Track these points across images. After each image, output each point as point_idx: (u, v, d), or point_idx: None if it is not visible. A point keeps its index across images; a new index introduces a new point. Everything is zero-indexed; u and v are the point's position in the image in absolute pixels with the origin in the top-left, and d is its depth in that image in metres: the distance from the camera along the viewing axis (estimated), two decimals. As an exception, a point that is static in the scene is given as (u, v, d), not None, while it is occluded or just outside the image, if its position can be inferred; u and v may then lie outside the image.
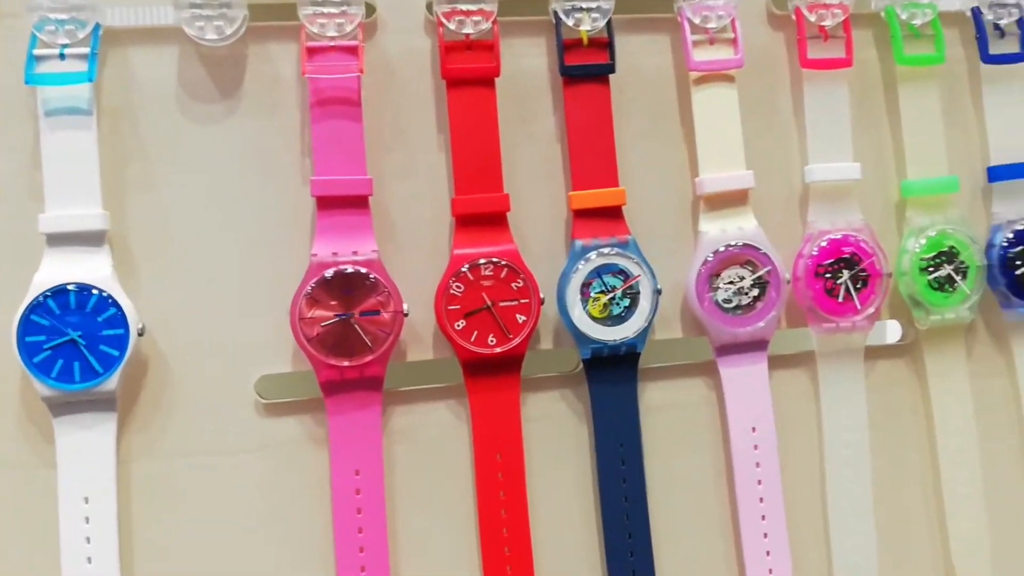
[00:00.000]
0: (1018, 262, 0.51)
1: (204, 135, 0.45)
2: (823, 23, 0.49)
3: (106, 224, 0.42)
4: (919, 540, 0.51)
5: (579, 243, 0.46)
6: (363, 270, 0.44)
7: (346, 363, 0.43)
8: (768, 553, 0.48)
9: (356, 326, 0.43)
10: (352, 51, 0.45)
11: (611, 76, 0.47)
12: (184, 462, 0.44)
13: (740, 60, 0.48)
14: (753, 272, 0.48)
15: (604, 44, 0.47)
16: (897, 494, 0.51)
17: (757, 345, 0.48)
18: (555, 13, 0.47)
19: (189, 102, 0.45)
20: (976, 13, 0.52)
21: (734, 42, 0.48)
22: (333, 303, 0.43)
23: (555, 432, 0.48)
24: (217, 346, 0.44)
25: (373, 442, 0.44)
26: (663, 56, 0.50)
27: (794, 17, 0.49)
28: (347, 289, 0.43)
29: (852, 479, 0.49)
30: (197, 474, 0.44)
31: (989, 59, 0.52)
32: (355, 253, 0.44)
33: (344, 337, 0.43)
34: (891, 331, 0.52)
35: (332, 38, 0.44)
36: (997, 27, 0.52)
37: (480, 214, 0.45)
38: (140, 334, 0.42)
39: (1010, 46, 0.52)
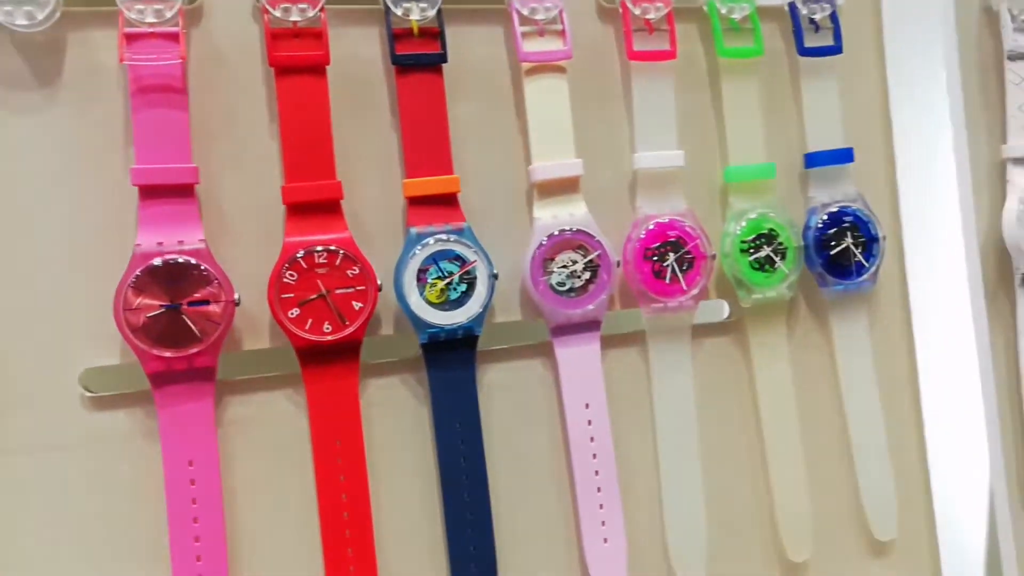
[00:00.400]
0: (832, 243, 0.55)
1: (22, 125, 0.43)
2: (647, 16, 0.51)
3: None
4: (746, 504, 0.55)
5: (414, 230, 0.47)
6: (191, 260, 0.43)
7: (169, 354, 0.42)
8: (603, 523, 0.50)
9: (184, 316, 0.43)
10: (173, 38, 0.44)
11: (445, 65, 0.48)
12: (7, 460, 0.42)
13: (568, 52, 0.49)
14: (585, 256, 0.50)
15: (435, 34, 0.48)
16: (725, 462, 0.54)
17: (590, 326, 0.50)
18: (384, 3, 0.47)
19: (5, 91, 0.43)
20: (792, 8, 0.55)
21: (562, 34, 0.50)
22: (160, 293, 0.42)
23: (396, 416, 0.48)
24: (41, 340, 0.43)
25: (206, 433, 0.44)
26: (497, 46, 0.51)
27: (620, 10, 0.51)
28: (174, 279, 0.43)
29: (682, 450, 0.52)
30: (23, 471, 0.42)
31: (804, 52, 0.55)
32: (181, 243, 0.44)
33: (171, 328, 0.43)
34: (718, 309, 0.55)
35: (151, 24, 0.43)
36: (812, 21, 0.55)
37: (312, 202, 0.45)
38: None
39: (824, 39, 0.56)
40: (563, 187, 0.50)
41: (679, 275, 0.51)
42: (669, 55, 0.52)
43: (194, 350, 0.43)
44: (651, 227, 0.51)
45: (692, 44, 0.55)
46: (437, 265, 0.47)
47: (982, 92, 0.61)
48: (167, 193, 0.44)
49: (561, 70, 0.50)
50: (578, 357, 0.50)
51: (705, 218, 0.53)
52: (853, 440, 0.56)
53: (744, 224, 0.53)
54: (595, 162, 0.51)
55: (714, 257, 0.52)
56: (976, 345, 0.58)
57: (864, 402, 0.56)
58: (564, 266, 0.49)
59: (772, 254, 0.53)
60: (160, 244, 0.43)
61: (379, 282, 0.46)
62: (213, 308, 0.43)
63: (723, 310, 0.55)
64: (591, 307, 0.49)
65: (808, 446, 0.55)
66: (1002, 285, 0.61)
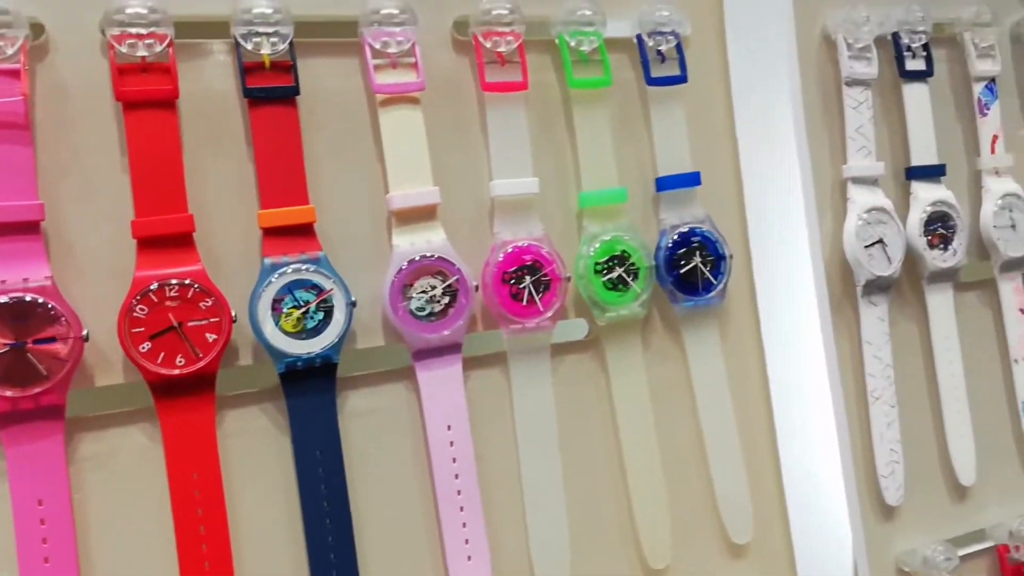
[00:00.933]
0: (682, 262, 0.58)
1: None
2: (499, 49, 0.53)
3: None
4: (608, 515, 0.57)
5: (268, 261, 0.47)
6: (36, 297, 0.43)
7: (13, 393, 0.41)
8: (467, 541, 0.51)
9: (29, 355, 0.42)
10: (14, 74, 0.43)
11: (301, 97, 0.49)
12: None
13: (422, 83, 0.51)
14: (443, 281, 0.51)
15: (287, 67, 0.48)
16: (586, 475, 0.56)
17: (451, 349, 0.51)
18: (235, 37, 0.47)
19: None
20: (639, 40, 0.58)
21: (415, 66, 0.51)
22: (4, 332, 0.42)
23: (257, 447, 0.48)
24: None
25: (56, 471, 0.43)
26: (353, 78, 0.52)
27: (473, 43, 0.53)
28: (18, 317, 0.42)
29: (544, 465, 0.54)
30: None
31: (652, 81, 0.58)
32: (26, 280, 0.43)
33: (16, 367, 0.42)
34: (577, 328, 0.57)
35: (-10, 61, 0.43)
36: (659, 52, 0.58)
37: (162, 236, 0.45)
38: None
39: (671, 69, 0.59)
40: (421, 215, 0.51)
41: (536, 297, 0.53)
42: (521, 86, 0.53)
43: (40, 389, 0.42)
44: (508, 252, 0.53)
45: (546, 74, 0.57)
46: (292, 295, 0.47)
47: (824, 116, 0.65)
48: (11, 230, 0.43)
49: (415, 101, 0.51)
50: (440, 380, 0.51)
51: (562, 241, 0.56)
52: (708, 448, 0.59)
53: (597, 246, 0.55)
54: (453, 190, 0.53)
55: (569, 279, 0.54)
56: (824, 354, 0.61)
57: (717, 411, 0.60)
58: (423, 291, 0.51)
59: (624, 274, 0.56)
60: (3, 282, 0.43)
61: (233, 313, 0.46)
62: (60, 346, 0.43)
63: (582, 328, 0.57)
64: (450, 331, 0.51)
65: (665, 455, 0.58)
66: (846, 297, 0.65)
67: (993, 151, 0.71)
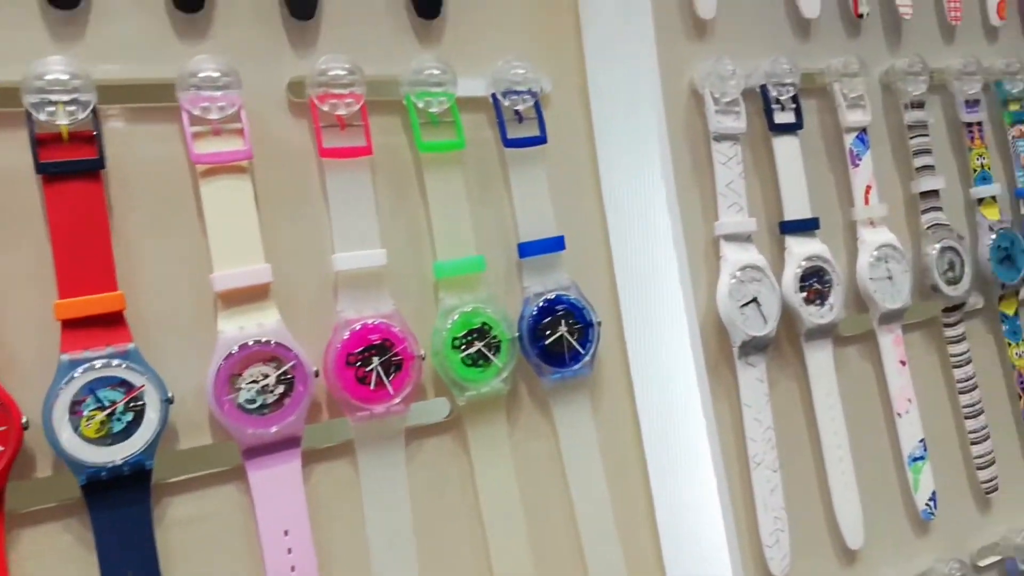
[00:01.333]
0: (547, 332, 0.54)
1: None
2: (337, 112, 0.48)
3: None
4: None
5: (66, 357, 0.41)
6: None
7: None
8: (311, 657, 0.45)
9: None
10: None
11: (109, 170, 0.43)
12: None
13: (248, 151, 0.46)
14: (278, 368, 0.46)
15: (90, 137, 0.43)
16: (447, 566, 0.51)
17: (288, 443, 0.46)
18: (26, 106, 0.42)
19: None
20: (494, 99, 0.54)
21: (241, 132, 0.46)
22: None
23: (60, 569, 0.42)
24: None
25: None
26: (172, 146, 0.46)
27: (310, 107, 0.49)
28: None
29: (398, 562, 0.49)
30: None
31: (509, 143, 0.54)
32: None
33: None
34: (437, 409, 0.52)
35: None
36: (516, 112, 0.55)
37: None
38: None
39: (529, 130, 0.55)
40: (250, 295, 0.46)
41: (385, 380, 0.48)
42: (364, 151, 0.49)
43: None
44: (352, 331, 0.48)
45: (396, 136, 0.52)
46: (95, 395, 0.41)
47: (694, 172, 0.63)
48: None
49: (242, 170, 0.46)
50: (275, 479, 0.46)
51: (420, 316, 0.51)
52: (582, 528, 0.55)
53: (454, 320, 0.51)
54: (291, 266, 0.48)
55: (423, 357, 0.50)
56: (703, 420, 0.58)
57: (591, 488, 0.55)
58: (254, 381, 0.45)
59: (485, 348, 0.51)
60: None
61: (24, 419, 0.40)
62: None
63: (443, 409, 0.52)
64: (286, 423, 0.45)
65: (536, 538, 0.53)
66: (723, 359, 0.62)
67: (867, 202, 0.70)
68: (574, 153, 0.59)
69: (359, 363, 0.48)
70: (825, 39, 0.71)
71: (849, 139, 0.70)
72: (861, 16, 0.72)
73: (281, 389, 0.46)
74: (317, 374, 0.47)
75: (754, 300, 0.61)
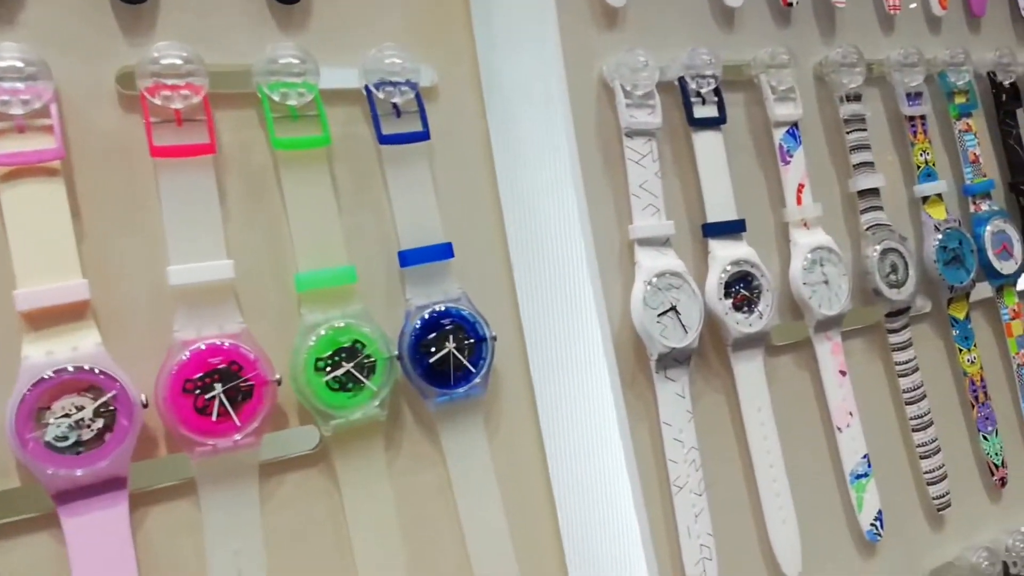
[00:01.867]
0: (432, 349, 0.47)
1: None
2: (173, 105, 0.41)
3: None
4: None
5: None
6: None
7: None
8: None
9: None
10: None
11: None
12: None
13: (59, 150, 0.39)
14: (96, 399, 0.38)
15: None
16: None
17: (110, 484, 0.39)
18: None
19: None
20: (368, 92, 0.47)
21: (51, 129, 0.39)
22: None
23: None
24: None
25: None
26: (-24, 146, 0.39)
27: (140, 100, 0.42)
28: None
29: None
30: None
31: (384, 139, 0.47)
32: None
33: None
34: (301, 440, 0.45)
35: None
36: (394, 106, 0.48)
37: None
38: None
39: (410, 124, 0.48)
40: (63, 315, 0.39)
41: (229, 409, 0.41)
42: (204, 149, 0.42)
43: None
44: (189, 354, 0.41)
45: (251, 131, 0.45)
46: None
47: (605, 171, 0.56)
48: None
49: (52, 172, 0.39)
50: (95, 527, 0.38)
51: (283, 337, 0.44)
52: (476, 568, 0.48)
53: (317, 338, 0.44)
54: (120, 280, 0.41)
55: (279, 382, 0.43)
56: (619, 440, 0.51)
57: (487, 524, 0.48)
58: (66, 415, 0.38)
59: (356, 370, 0.44)
60: None
61: None
62: None
63: (310, 439, 0.45)
64: (106, 462, 0.38)
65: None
66: (641, 373, 0.55)
67: (799, 202, 0.63)
68: (465, 151, 0.52)
69: (198, 390, 0.41)
70: (751, 29, 0.65)
71: (779, 134, 0.63)
72: (790, 4, 0.66)
73: (100, 423, 0.38)
74: (146, 404, 0.40)
75: (672, 309, 0.55)
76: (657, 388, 0.55)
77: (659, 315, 0.54)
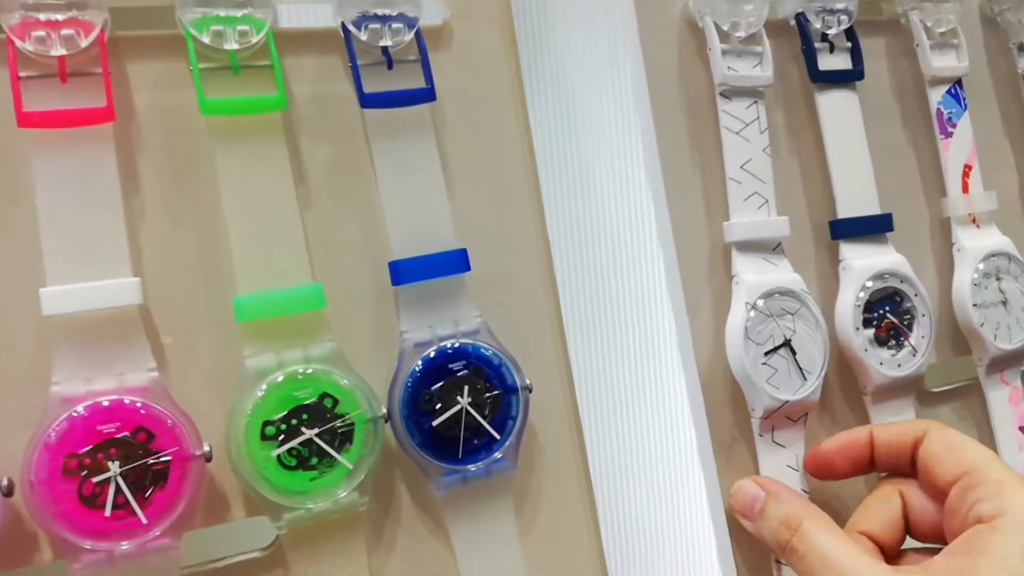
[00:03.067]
0: (437, 405, 0.37)
1: None
2: (52, 52, 0.32)
3: None
4: None
5: None
6: None
7: None
8: None
9: None
10: None
11: None
12: None
13: None
14: (-70, 486, 0.30)
15: None
16: None
17: (-51, 614, 0.30)
18: None
19: None
20: (345, 31, 0.37)
21: None
22: None
23: None
24: None
25: None
26: None
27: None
28: None
29: None
30: None
31: (368, 100, 0.37)
32: None
33: None
34: (247, 536, 0.36)
35: None
36: (384, 52, 0.38)
37: None
38: None
39: (406, 79, 0.38)
40: None
41: (130, 498, 0.32)
42: (102, 115, 0.32)
43: None
44: (75, 416, 0.32)
45: (182, 92, 0.36)
46: None
47: (691, 146, 0.45)
48: None
49: None
50: (-78, 678, 0.30)
51: (220, 387, 0.35)
52: None
53: (264, 392, 0.34)
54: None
55: (209, 457, 0.33)
56: (712, 534, 0.41)
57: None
58: None
59: (321, 439, 0.35)
60: None
61: None
62: None
63: (261, 536, 0.36)
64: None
65: None
66: (739, 433, 0.44)
67: (966, 189, 0.52)
68: (489, 118, 0.42)
69: (85, 471, 0.32)
70: (896, -54, 0.54)
71: (936, 95, 0.53)
72: (951, -87, 0.55)
73: (-61, 520, 0.30)
74: (9, 491, 0.31)
75: (786, 344, 0.44)
76: (760, 456, 0.44)
77: (766, 353, 0.43)
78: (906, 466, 0.42)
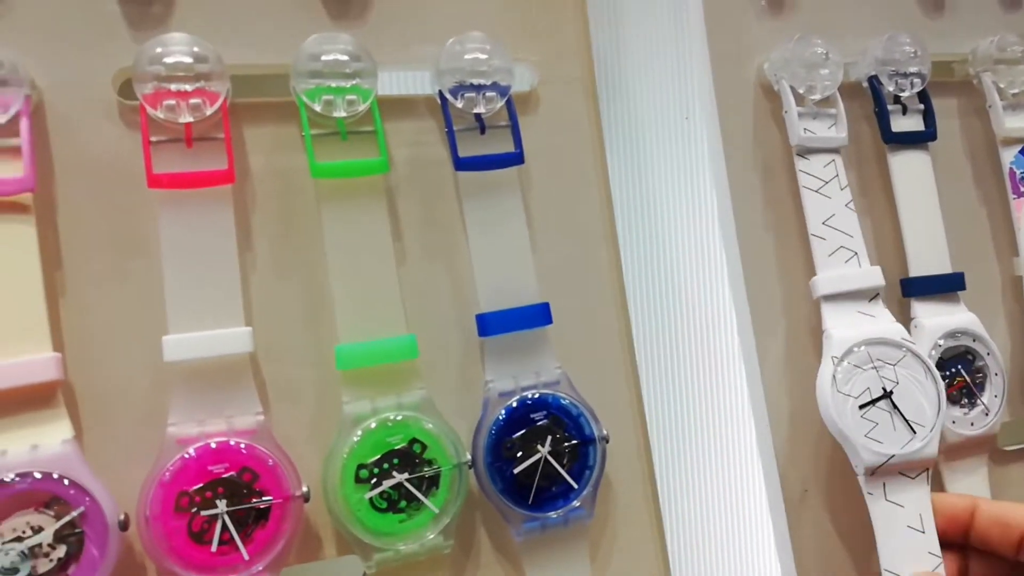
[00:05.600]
0: (519, 453, 0.38)
1: None
2: (180, 119, 0.34)
3: None
4: None
5: None
6: None
7: None
8: None
9: None
10: None
11: None
12: None
13: (27, 180, 0.33)
14: (58, 518, 0.32)
15: None
16: None
17: (72, 637, 0.32)
18: None
19: None
20: (442, 99, 0.39)
21: (20, 152, 0.33)
22: None
23: None
24: None
25: None
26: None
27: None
28: None
29: None
30: None
31: (462, 164, 0.39)
32: None
33: None
34: (343, 573, 0.37)
35: None
36: (477, 118, 0.40)
37: None
38: None
39: (497, 144, 0.40)
40: (24, 401, 0.32)
41: (235, 534, 0.34)
42: (223, 177, 0.35)
43: None
44: (188, 457, 0.34)
45: (291, 156, 0.38)
46: None
47: (765, 207, 0.46)
48: None
49: (19, 209, 0.33)
50: None
51: (319, 432, 0.37)
52: None
53: (359, 437, 0.36)
54: (105, 353, 0.35)
55: (307, 498, 0.35)
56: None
57: None
58: (18, 538, 0.32)
59: (410, 483, 0.36)
60: None
61: None
62: None
63: (353, 572, 0.37)
64: (65, 607, 0.32)
65: None
66: (819, 485, 0.45)
67: (1039, 248, 0.52)
68: (573, 180, 0.44)
69: (195, 508, 0.34)
70: (970, 10, 0.54)
71: (1009, 155, 0.52)
72: (1025, -23, 0.55)
73: (63, 551, 0.32)
74: (125, 525, 0.33)
75: (886, 396, 0.43)
76: (874, 517, 0.42)
77: (862, 406, 0.43)
78: None
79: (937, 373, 0.44)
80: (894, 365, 0.44)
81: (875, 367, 0.44)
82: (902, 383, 0.44)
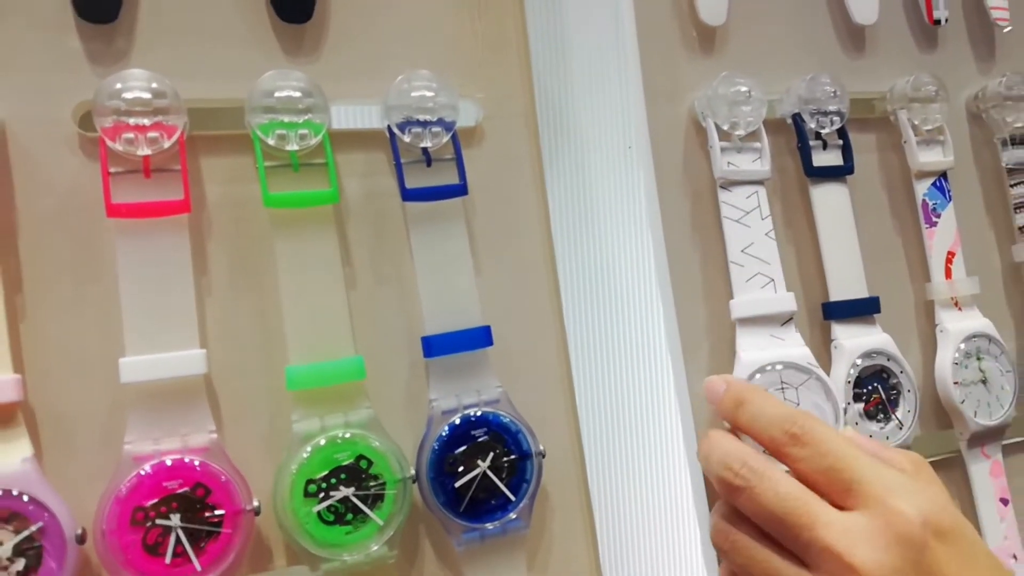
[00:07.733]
0: (460, 468, 0.40)
1: None
2: (138, 152, 0.36)
3: None
4: None
5: None
6: None
7: None
8: None
9: None
10: None
11: None
12: None
13: (-10, 209, 0.34)
14: (17, 532, 0.33)
15: None
16: None
17: (29, 647, 0.33)
18: None
19: None
20: (391, 133, 0.41)
21: (-18, 182, 0.35)
22: None
23: None
24: None
25: None
26: None
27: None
28: None
29: None
30: None
31: (409, 195, 0.41)
32: None
33: None
34: (289, 583, 0.39)
35: None
36: (424, 152, 0.42)
37: None
38: None
39: (442, 176, 0.42)
40: (-15, 421, 0.34)
41: (188, 547, 0.35)
42: (178, 207, 0.37)
43: None
44: (143, 474, 0.35)
45: (245, 186, 0.40)
46: None
47: (693, 235, 0.49)
48: None
49: (-19, 238, 0.35)
50: None
51: (271, 449, 0.39)
52: None
53: (308, 454, 0.38)
54: (67, 375, 0.36)
55: (258, 511, 0.37)
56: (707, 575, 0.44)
57: None
58: (-22, 553, 0.33)
59: (357, 497, 0.38)
60: None
61: None
62: None
63: (300, 582, 0.39)
64: (20, 619, 0.33)
65: None
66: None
67: (948, 274, 0.55)
68: (514, 210, 0.46)
69: (150, 522, 0.35)
70: (887, 52, 0.58)
71: (922, 188, 0.56)
72: (938, 23, 0.59)
73: (21, 564, 0.33)
74: (82, 539, 0.34)
75: None
76: None
77: None
78: None
79: (837, 397, 0.47)
80: (797, 388, 0.48)
81: (781, 388, 0.47)
82: (803, 404, 0.47)
